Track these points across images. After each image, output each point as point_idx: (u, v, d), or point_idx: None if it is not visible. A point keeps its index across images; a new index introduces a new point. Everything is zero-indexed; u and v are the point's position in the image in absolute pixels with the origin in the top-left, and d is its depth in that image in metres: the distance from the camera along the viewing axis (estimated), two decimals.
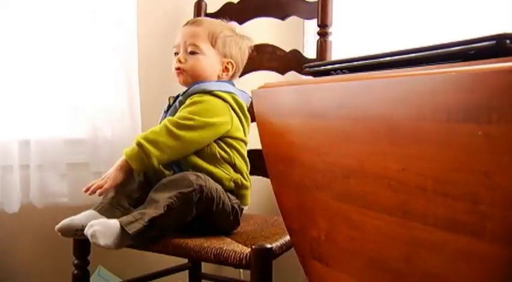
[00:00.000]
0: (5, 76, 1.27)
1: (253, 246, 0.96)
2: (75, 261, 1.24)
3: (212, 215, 1.11)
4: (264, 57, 1.47)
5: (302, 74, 1.42)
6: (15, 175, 1.28)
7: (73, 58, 1.37)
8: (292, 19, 1.48)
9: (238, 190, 1.21)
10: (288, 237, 1.10)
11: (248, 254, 0.97)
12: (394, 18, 1.49)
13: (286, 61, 1.45)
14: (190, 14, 1.54)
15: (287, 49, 1.46)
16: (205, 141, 1.15)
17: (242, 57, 1.30)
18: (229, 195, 1.17)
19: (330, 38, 1.37)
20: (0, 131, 1.26)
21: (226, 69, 1.27)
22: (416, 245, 0.59)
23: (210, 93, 1.18)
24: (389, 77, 0.60)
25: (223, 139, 1.19)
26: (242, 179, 1.21)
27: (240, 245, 1.04)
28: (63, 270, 1.33)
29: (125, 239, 1.00)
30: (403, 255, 0.62)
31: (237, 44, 1.28)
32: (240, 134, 1.22)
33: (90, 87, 1.39)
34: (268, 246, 0.97)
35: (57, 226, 1.08)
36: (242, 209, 1.21)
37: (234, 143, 1.20)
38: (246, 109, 1.24)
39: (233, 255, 0.98)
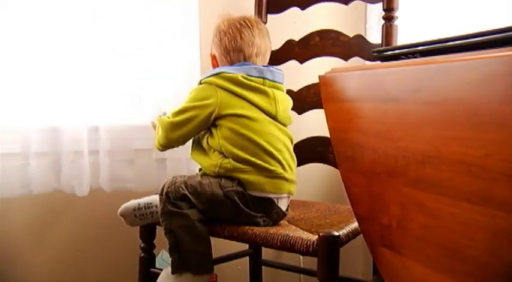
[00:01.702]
0: (76, 66, 1.31)
1: (320, 234, 0.96)
2: (142, 245, 1.28)
3: (209, 208, 1.11)
4: (326, 43, 1.45)
5: (369, 59, 1.39)
6: (85, 160, 1.32)
7: (139, 50, 1.41)
8: (354, 4, 1.45)
9: (232, 174, 1.13)
10: (353, 225, 1.09)
11: (315, 241, 0.97)
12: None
13: (349, 46, 1.42)
14: (251, 7, 1.54)
15: (348, 35, 1.43)
16: (190, 125, 1.17)
17: (222, 42, 1.24)
18: (223, 182, 1.12)
19: (396, 22, 1.33)
20: (70, 117, 1.31)
21: (212, 62, 1.29)
22: (498, 234, 0.57)
23: (199, 84, 1.22)
24: (469, 60, 0.58)
25: (211, 125, 1.18)
26: (233, 162, 1.12)
27: (306, 232, 1.03)
28: (129, 252, 1.38)
29: None
30: (483, 245, 0.60)
31: (215, 35, 1.27)
32: (232, 110, 1.15)
33: (156, 76, 1.43)
34: (336, 233, 0.96)
35: (119, 210, 1.16)
36: (255, 196, 1.13)
37: (224, 122, 1.15)
38: (243, 80, 1.16)
39: (300, 242, 0.98)
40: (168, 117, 1.20)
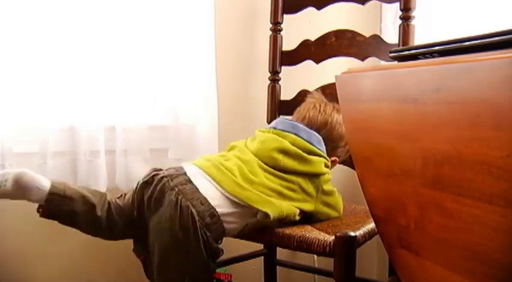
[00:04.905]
0: (94, 67, 1.32)
1: (337, 234, 0.96)
2: None
3: None
4: (342, 43, 1.45)
5: (385, 59, 1.38)
6: (102, 160, 1.33)
7: (155, 50, 1.41)
8: (370, 3, 1.44)
9: None
10: (370, 226, 1.08)
11: (332, 242, 0.96)
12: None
13: (365, 46, 1.41)
14: (267, 7, 1.54)
15: (364, 34, 1.43)
16: None
17: (340, 144, 1.29)
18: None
19: (413, 22, 1.32)
20: (87, 117, 1.32)
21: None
22: None
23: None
24: (492, 59, 0.57)
25: None
26: None
27: (322, 233, 1.03)
28: None
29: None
30: (504, 247, 0.59)
31: (339, 140, 1.29)
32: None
33: (172, 78, 1.44)
34: (352, 234, 0.96)
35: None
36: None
37: None
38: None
39: (316, 243, 0.98)
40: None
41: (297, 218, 1.13)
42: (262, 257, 1.58)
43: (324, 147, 1.20)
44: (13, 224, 1.35)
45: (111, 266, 1.48)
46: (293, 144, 1.15)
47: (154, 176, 1.06)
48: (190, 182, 1.05)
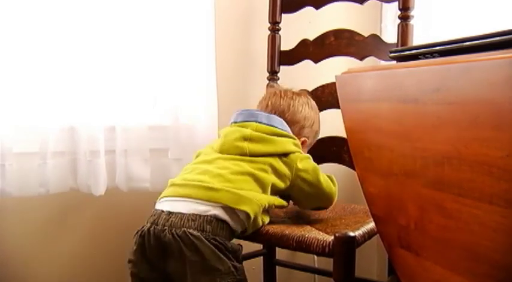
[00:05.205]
0: (94, 67, 1.32)
1: (336, 234, 0.95)
2: None
3: None
4: (341, 43, 1.45)
5: (384, 59, 1.38)
6: (102, 160, 1.33)
7: (156, 50, 1.41)
8: (369, 3, 1.44)
9: None
10: (369, 226, 1.08)
11: (331, 242, 0.96)
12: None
13: (364, 46, 1.41)
14: (265, 7, 1.54)
15: (363, 34, 1.43)
16: None
17: (313, 128, 1.32)
18: None
19: (412, 22, 1.32)
20: (87, 117, 1.32)
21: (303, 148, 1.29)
22: None
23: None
24: (492, 59, 0.57)
25: None
26: None
27: (322, 233, 1.03)
28: None
29: None
30: (504, 247, 0.59)
31: (307, 121, 1.30)
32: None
33: (172, 77, 1.44)
34: (352, 234, 0.96)
35: None
36: None
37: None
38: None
39: (315, 243, 0.98)
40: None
41: (285, 204, 1.14)
42: (262, 257, 1.58)
43: (288, 129, 1.20)
44: (13, 224, 1.35)
45: (111, 266, 1.48)
46: (255, 130, 1.15)
47: (141, 234, 1.05)
48: (171, 213, 1.04)
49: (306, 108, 1.28)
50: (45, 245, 1.40)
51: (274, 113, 1.23)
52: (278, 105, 1.26)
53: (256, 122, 1.17)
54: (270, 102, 1.27)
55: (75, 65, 1.30)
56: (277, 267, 1.59)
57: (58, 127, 1.30)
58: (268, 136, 1.14)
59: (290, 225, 1.10)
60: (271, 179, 1.10)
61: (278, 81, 1.54)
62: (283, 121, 1.21)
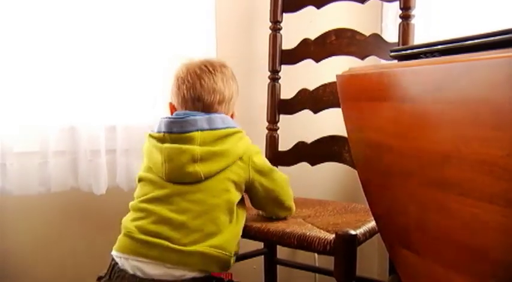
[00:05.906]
0: (95, 67, 1.32)
1: (337, 233, 0.96)
2: None
3: None
4: (342, 42, 1.45)
5: (385, 58, 1.38)
6: (102, 159, 1.34)
7: (156, 50, 1.42)
8: (370, 2, 1.44)
9: None
10: (370, 224, 1.08)
11: (332, 240, 0.96)
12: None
13: (365, 45, 1.41)
14: (267, 6, 1.54)
15: (364, 33, 1.43)
16: None
17: (180, 90, 1.15)
18: None
19: (413, 21, 1.32)
20: (88, 117, 1.33)
21: (171, 112, 1.20)
22: None
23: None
24: (493, 58, 0.57)
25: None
26: None
27: (323, 231, 1.03)
28: None
29: None
30: (505, 246, 0.59)
31: (173, 83, 1.19)
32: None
33: (171, 78, 1.43)
34: (353, 232, 0.96)
35: None
36: None
37: None
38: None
39: (317, 241, 0.98)
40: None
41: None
42: (263, 256, 1.58)
43: (229, 120, 1.11)
44: (14, 222, 1.36)
45: None
46: (202, 143, 1.03)
47: None
48: (143, 280, 0.98)
49: (225, 82, 1.14)
50: (45, 244, 1.41)
51: (204, 107, 1.10)
52: (201, 96, 1.11)
53: (198, 130, 1.04)
54: (190, 96, 1.11)
55: (76, 64, 1.30)
56: (278, 266, 1.60)
57: (59, 126, 1.30)
58: (217, 149, 1.04)
59: (291, 224, 1.10)
60: (233, 196, 1.05)
61: (279, 81, 1.54)
62: (223, 115, 1.11)
